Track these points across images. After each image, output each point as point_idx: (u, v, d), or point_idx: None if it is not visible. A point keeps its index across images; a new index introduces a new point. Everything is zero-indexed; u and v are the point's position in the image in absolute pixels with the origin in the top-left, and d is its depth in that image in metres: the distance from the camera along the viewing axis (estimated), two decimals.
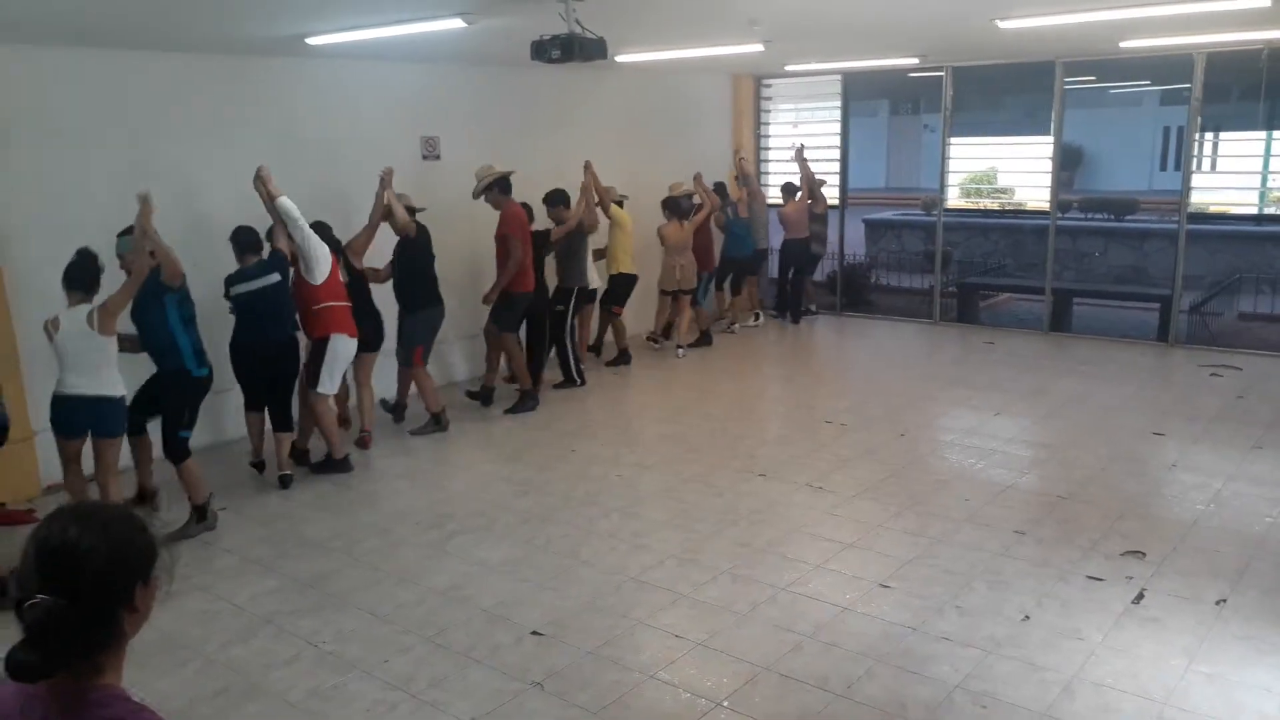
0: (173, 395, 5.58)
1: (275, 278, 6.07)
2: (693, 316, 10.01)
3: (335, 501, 6.14)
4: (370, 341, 6.93)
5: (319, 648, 4.37)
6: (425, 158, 8.30)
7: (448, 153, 8.41)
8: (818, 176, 11.10)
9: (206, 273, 6.24)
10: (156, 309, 5.42)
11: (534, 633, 4.43)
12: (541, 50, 5.19)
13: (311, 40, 6.35)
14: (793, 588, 4.80)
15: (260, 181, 6.10)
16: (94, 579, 1.48)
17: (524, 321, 8.03)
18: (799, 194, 10.97)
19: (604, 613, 4.61)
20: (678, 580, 4.91)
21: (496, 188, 7.60)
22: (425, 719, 3.83)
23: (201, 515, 5.65)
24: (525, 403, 7.87)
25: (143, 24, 5.67)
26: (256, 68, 7.15)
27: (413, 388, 7.58)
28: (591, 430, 7.50)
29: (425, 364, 7.42)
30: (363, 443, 7.05)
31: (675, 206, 9.44)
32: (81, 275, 5.12)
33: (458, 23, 5.64)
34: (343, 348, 6.44)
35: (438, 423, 7.42)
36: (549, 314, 8.33)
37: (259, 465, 6.51)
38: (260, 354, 6.18)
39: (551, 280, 8.44)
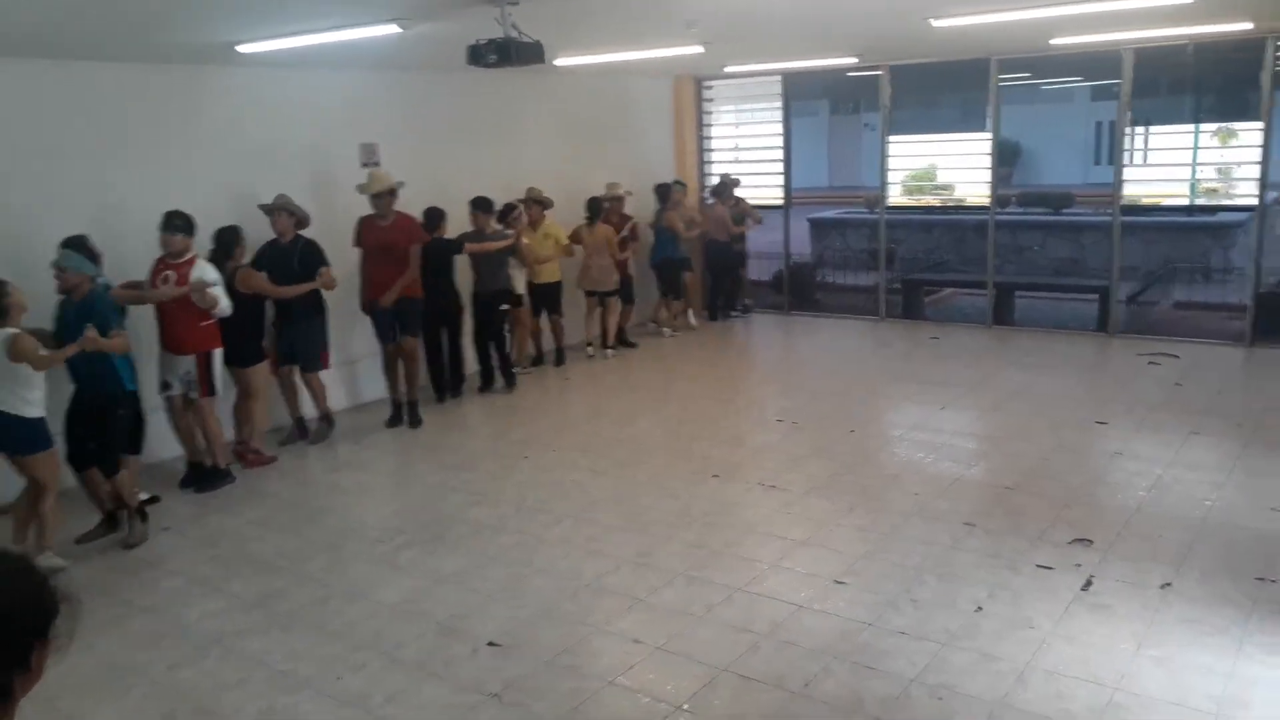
0: (115, 416, 5.55)
1: None
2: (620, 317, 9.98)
3: (282, 519, 6.02)
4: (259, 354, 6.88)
5: (270, 667, 4.27)
6: (364, 165, 8.17)
7: (387, 160, 8.29)
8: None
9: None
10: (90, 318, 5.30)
11: (490, 644, 4.38)
12: (478, 55, 5.14)
13: (243, 48, 6.22)
14: (748, 588, 4.80)
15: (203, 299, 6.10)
16: None
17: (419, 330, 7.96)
18: (729, 198, 11.12)
19: (560, 621, 4.57)
20: (634, 585, 4.88)
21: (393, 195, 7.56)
22: None
23: (144, 516, 5.67)
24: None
25: (65, 33, 5.51)
26: (186, 77, 6.99)
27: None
28: (543, 438, 7.44)
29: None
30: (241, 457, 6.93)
31: (591, 206, 9.43)
32: None
33: (393, 28, 5.56)
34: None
35: (330, 423, 7.49)
36: (488, 316, 8.45)
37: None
38: None
39: (460, 287, 8.35)
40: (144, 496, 5.94)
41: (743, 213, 11.24)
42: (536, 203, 8.88)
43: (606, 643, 4.36)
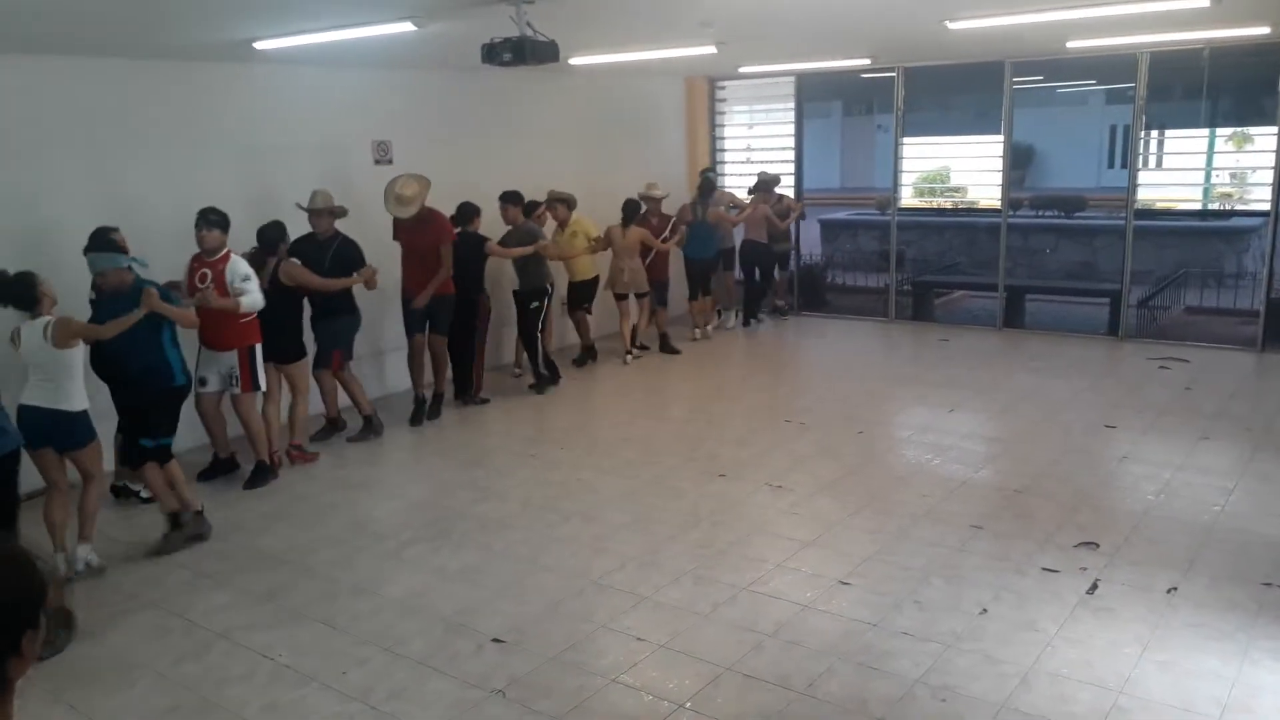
0: (164, 411, 5.53)
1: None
2: (649, 321, 9.91)
3: (290, 513, 6.05)
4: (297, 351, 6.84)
5: (274, 661, 4.29)
6: (378, 162, 8.22)
7: (400, 157, 8.33)
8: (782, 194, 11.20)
9: (170, 275, 6.12)
10: (151, 328, 5.32)
11: (494, 640, 4.39)
12: (493, 53, 5.16)
13: (259, 45, 6.26)
14: (753, 587, 4.80)
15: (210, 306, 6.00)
16: None
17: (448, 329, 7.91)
18: (769, 196, 10.88)
19: (565, 618, 4.58)
20: (639, 583, 4.90)
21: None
22: None
23: (175, 523, 5.53)
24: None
25: (87, 30, 5.56)
26: (204, 73, 7.03)
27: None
28: (550, 435, 7.46)
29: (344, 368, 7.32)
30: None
31: (627, 208, 9.33)
32: (11, 296, 4.93)
33: (408, 26, 5.59)
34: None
35: (370, 426, 7.42)
36: (522, 312, 8.44)
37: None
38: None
39: (487, 284, 8.31)
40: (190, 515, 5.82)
41: (786, 209, 11.05)
42: (561, 202, 8.79)
43: (611, 640, 4.37)
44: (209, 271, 6.07)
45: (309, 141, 7.74)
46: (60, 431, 4.97)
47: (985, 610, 4.49)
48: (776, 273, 11.51)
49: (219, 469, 6.61)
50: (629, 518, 5.76)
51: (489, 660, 4.23)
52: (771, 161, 11.72)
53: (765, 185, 10.92)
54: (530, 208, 8.58)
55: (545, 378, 8.53)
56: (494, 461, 6.96)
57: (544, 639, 4.39)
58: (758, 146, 12.07)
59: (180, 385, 5.61)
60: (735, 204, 10.93)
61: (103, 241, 5.55)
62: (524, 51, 5.10)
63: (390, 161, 8.29)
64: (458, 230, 7.83)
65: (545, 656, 4.23)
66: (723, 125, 12.13)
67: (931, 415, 7.67)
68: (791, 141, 11.69)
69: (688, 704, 3.85)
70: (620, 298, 9.55)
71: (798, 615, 4.51)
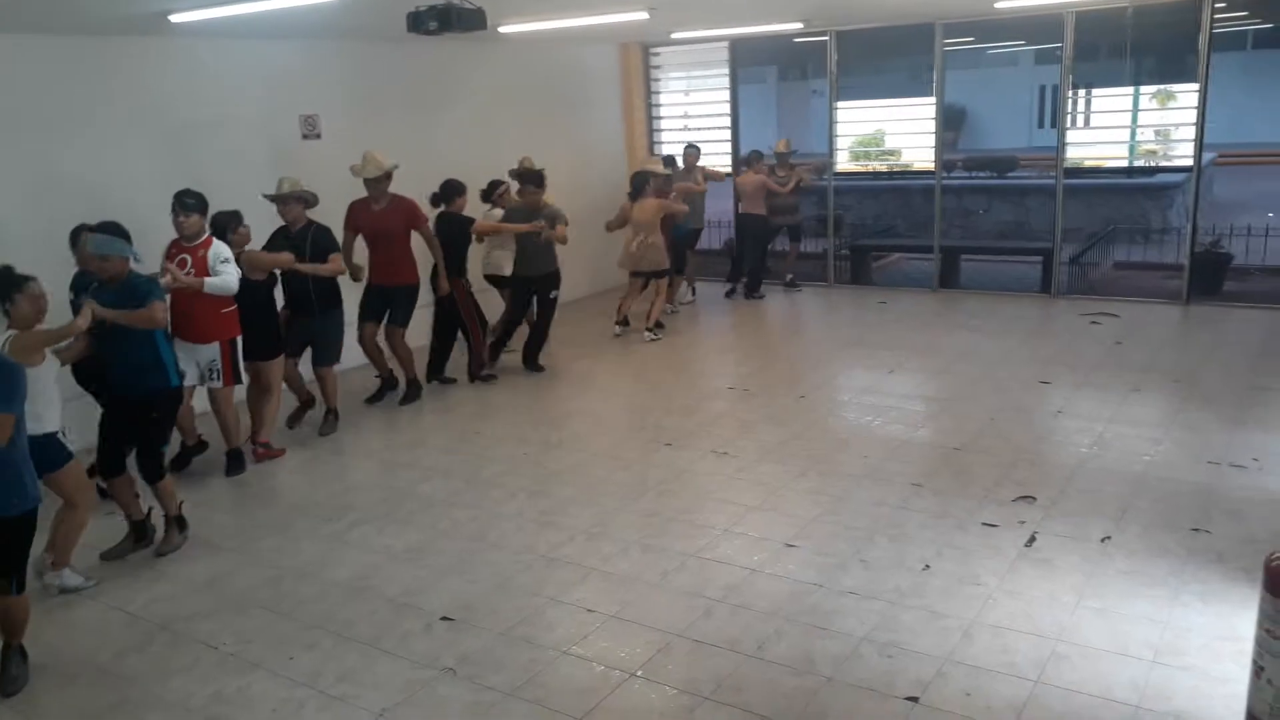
0: (163, 413, 5.15)
1: None
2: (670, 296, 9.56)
3: (229, 500, 5.93)
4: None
5: (219, 650, 4.22)
6: (305, 137, 8.03)
7: (328, 131, 8.14)
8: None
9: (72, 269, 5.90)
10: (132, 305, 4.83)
11: (443, 618, 4.37)
12: (418, 21, 5.06)
13: (175, 18, 6.03)
14: (701, 554, 4.84)
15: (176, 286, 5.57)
16: None
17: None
18: (761, 167, 10.65)
19: (514, 593, 4.57)
20: (587, 555, 4.90)
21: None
22: (335, 715, 3.74)
23: (182, 524, 5.26)
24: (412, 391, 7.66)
25: None
26: (117, 49, 6.77)
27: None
28: (495, 412, 7.41)
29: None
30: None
31: (636, 180, 9.06)
32: None
33: None
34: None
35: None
36: (542, 301, 8.16)
37: None
38: None
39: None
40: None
41: (796, 178, 10.75)
42: (523, 176, 8.40)
43: (561, 613, 4.37)
44: (189, 258, 5.74)
45: (234, 117, 7.51)
46: (34, 455, 4.16)
47: (928, 567, 4.57)
48: (783, 245, 11.28)
49: (190, 454, 6.39)
50: (576, 490, 5.75)
51: (439, 639, 4.21)
52: (708, 128, 11.69)
53: (755, 158, 10.71)
54: (491, 188, 8.33)
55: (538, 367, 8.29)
56: (437, 441, 6.90)
57: (493, 615, 4.37)
58: (694, 114, 12.02)
59: (176, 387, 5.19)
60: (712, 175, 10.68)
61: (113, 227, 4.99)
62: (450, 19, 5.01)
63: (319, 136, 8.11)
64: (439, 210, 7.61)
65: (495, 632, 4.22)
66: (658, 93, 12.06)
67: (872, 377, 7.77)
68: (728, 108, 11.66)
69: (639, 672, 3.87)
70: (637, 275, 9.23)
71: (745, 579, 4.55)
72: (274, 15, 6.00)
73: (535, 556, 4.92)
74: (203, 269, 5.70)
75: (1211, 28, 8.90)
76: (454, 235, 7.63)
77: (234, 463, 6.26)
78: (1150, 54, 21.30)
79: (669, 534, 5.09)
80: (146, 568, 5.05)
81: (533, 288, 8.15)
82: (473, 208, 7.95)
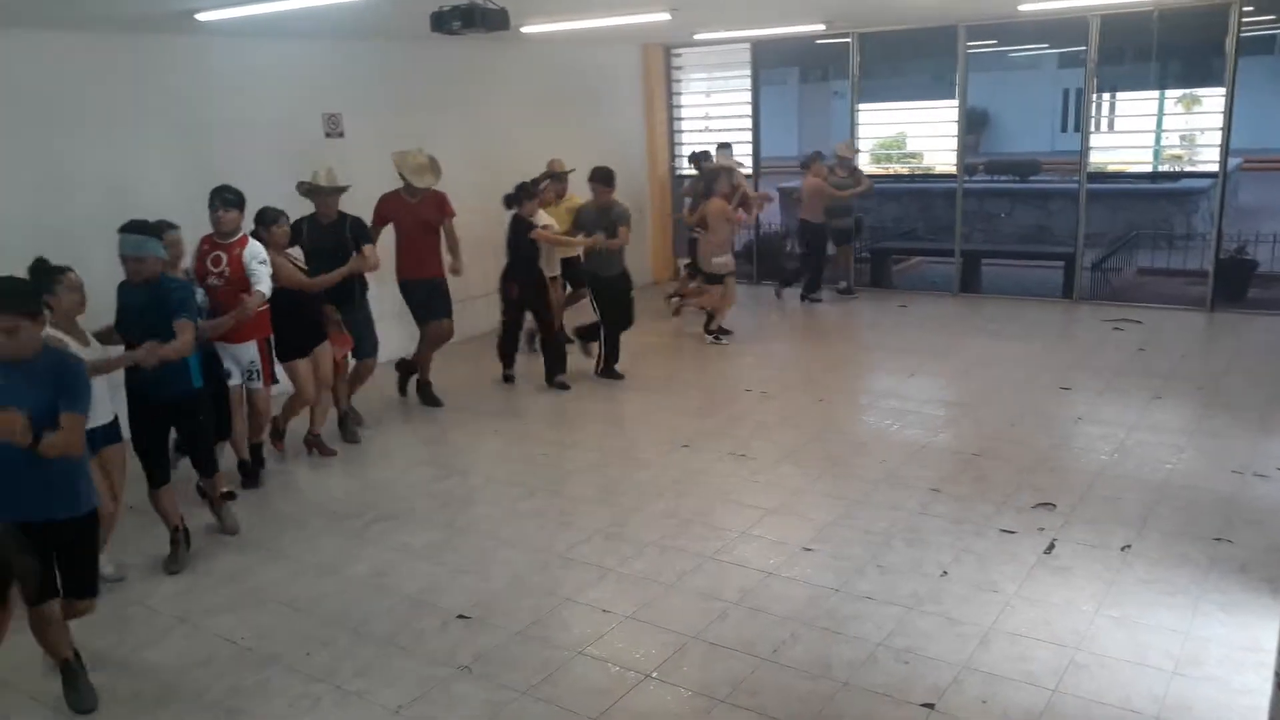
0: (195, 420, 5.02)
1: None
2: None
3: (249, 496, 5.96)
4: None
5: (237, 644, 4.25)
6: (328, 135, 8.07)
7: (351, 129, 8.18)
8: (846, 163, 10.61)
9: (101, 265, 5.95)
10: (168, 327, 4.63)
11: (459, 616, 4.38)
12: (442, 21, 5.08)
13: (202, 16, 6.08)
14: (718, 556, 4.83)
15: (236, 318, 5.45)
16: None
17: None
18: (821, 169, 10.33)
19: (530, 592, 4.58)
20: (604, 555, 4.90)
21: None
22: (350, 710, 3.76)
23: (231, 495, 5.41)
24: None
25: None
26: (143, 46, 6.82)
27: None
28: (513, 411, 7.42)
29: None
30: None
31: (705, 179, 8.79)
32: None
33: None
34: None
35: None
36: (619, 300, 7.91)
37: None
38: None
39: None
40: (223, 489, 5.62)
41: (864, 183, 10.57)
42: (552, 177, 8.46)
43: (576, 613, 4.37)
44: (224, 255, 5.60)
45: (258, 116, 7.55)
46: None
47: (945, 572, 4.55)
48: (831, 249, 10.88)
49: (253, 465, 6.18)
50: (593, 490, 5.76)
51: (455, 637, 4.22)
52: (729, 129, 11.67)
53: (814, 159, 10.43)
54: (535, 184, 8.15)
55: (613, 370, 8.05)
56: (454, 439, 6.92)
57: (509, 614, 4.38)
58: (715, 115, 12.01)
59: (200, 389, 4.99)
60: (752, 198, 10.44)
61: (149, 227, 4.78)
62: (474, 18, 5.02)
63: (341, 135, 8.15)
64: (513, 212, 7.48)
65: (511, 631, 4.23)
66: (680, 94, 12.05)
67: (891, 381, 7.73)
68: (749, 109, 11.64)
69: (654, 674, 3.87)
70: (698, 274, 9.03)
71: (762, 582, 4.54)
72: (299, 14, 6.03)
73: (552, 556, 4.93)
74: (237, 266, 5.57)
75: (1239, 32, 8.81)
76: (525, 239, 7.49)
77: (252, 471, 6.11)
78: (1176, 58, 21.11)
79: (686, 535, 5.08)
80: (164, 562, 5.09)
81: (611, 286, 7.88)
82: (498, 211, 7.90)
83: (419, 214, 7.14)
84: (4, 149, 6.20)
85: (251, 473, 6.09)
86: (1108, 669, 3.74)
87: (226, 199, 5.64)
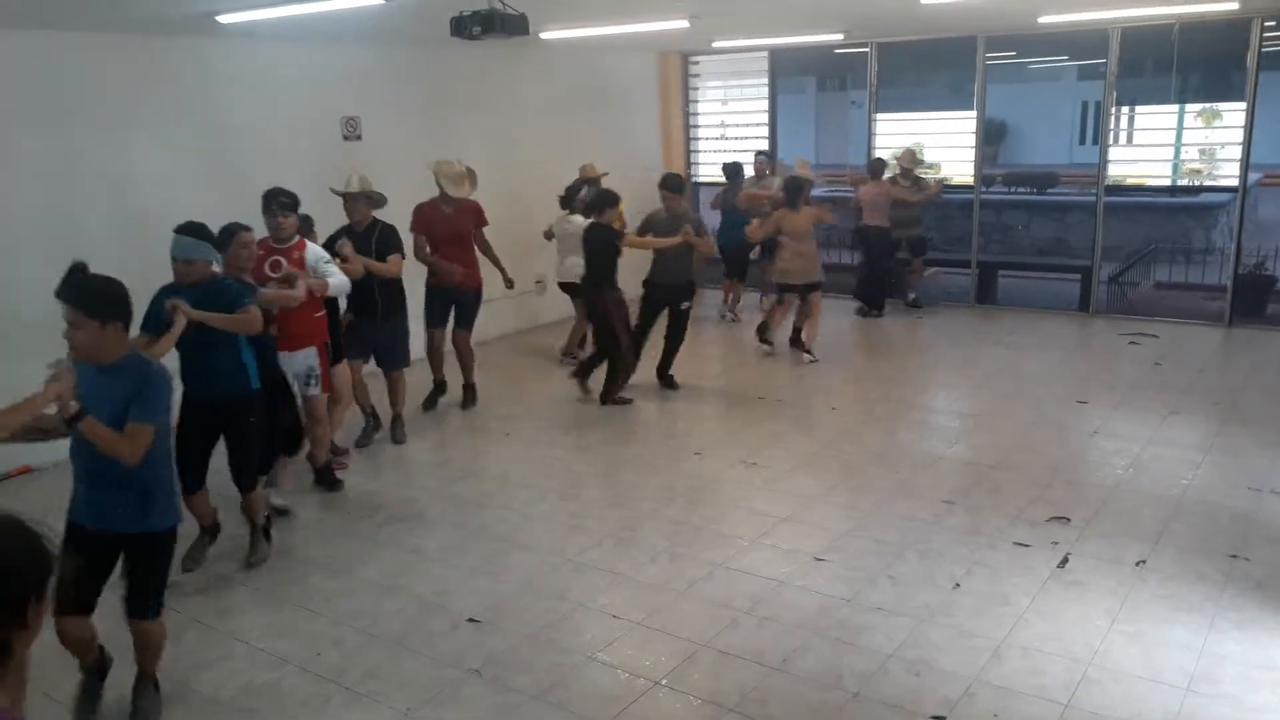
0: (247, 423, 4.79)
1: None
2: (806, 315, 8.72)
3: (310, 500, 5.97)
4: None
5: (249, 644, 4.26)
6: (346, 138, 8.12)
7: (369, 133, 8.23)
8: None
9: (127, 266, 5.98)
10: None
11: (470, 619, 4.39)
12: (462, 26, 5.10)
13: (223, 18, 6.13)
14: (729, 564, 4.82)
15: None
16: None
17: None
18: (885, 174, 10.14)
19: (541, 596, 4.58)
20: (615, 560, 4.90)
21: None
22: (360, 711, 3.77)
23: (268, 534, 5.12)
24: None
25: (43, 0, 5.41)
26: (164, 47, 6.88)
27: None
28: (526, 415, 7.43)
29: None
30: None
31: (791, 187, 8.48)
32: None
33: None
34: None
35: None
36: (674, 312, 7.69)
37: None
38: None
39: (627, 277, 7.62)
40: (279, 503, 5.49)
41: (932, 189, 10.28)
42: (587, 183, 8.45)
43: (587, 618, 4.37)
44: (282, 260, 5.44)
45: (277, 118, 7.60)
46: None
47: (958, 584, 4.53)
48: (900, 257, 10.52)
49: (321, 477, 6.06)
50: (605, 495, 5.76)
51: (464, 639, 4.23)
52: (746, 138, 11.68)
53: (880, 166, 10.19)
54: (572, 193, 8.21)
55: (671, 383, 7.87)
56: (468, 442, 6.93)
57: (520, 617, 4.38)
58: (732, 123, 12.02)
59: (257, 390, 4.81)
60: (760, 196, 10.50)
61: (204, 232, 4.63)
62: (493, 24, 5.04)
63: (359, 138, 8.19)
64: (590, 220, 7.37)
65: (521, 635, 4.23)
66: (696, 101, 12.07)
67: (905, 391, 7.71)
68: (766, 118, 11.64)
69: (664, 680, 3.86)
70: (789, 289, 8.61)
71: (773, 591, 4.53)
72: (320, 18, 6.07)
73: (563, 560, 4.93)
74: (303, 268, 5.42)
75: (1260, 46, 8.76)
76: (603, 247, 7.29)
77: (325, 477, 5.99)
78: (1196, 71, 20.99)
79: (697, 542, 5.08)
80: (178, 562, 5.10)
81: (664, 297, 7.65)
82: (513, 216, 7.93)
83: (453, 224, 7.09)
84: (25, 149, 6.25)
85: (328, 480, 5.97)
86: (1121, 684, 3.71)
87: (284, 203, 5.49)
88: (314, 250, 5.59)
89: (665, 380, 7.87)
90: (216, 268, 4.66)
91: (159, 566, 3.67)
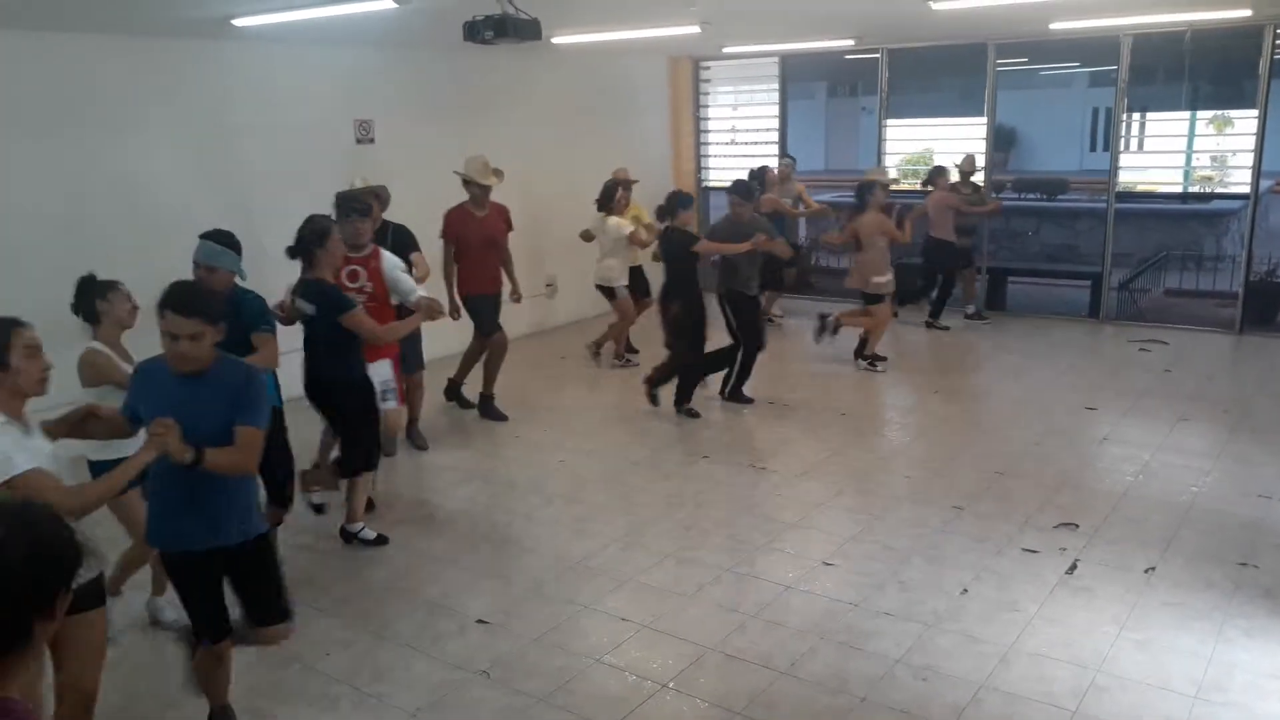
0: (279, 436, 4.73)
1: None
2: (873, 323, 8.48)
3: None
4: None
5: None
6: (359, 141, 8.16)
7: (382, 136, 8.27)
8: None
9: (127, 269, 6.00)
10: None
11: (478, 621, 4.40)
12: (474, 31, 5.12)
13: (238, 22, 6.18)
14: (737, 568, 4.82)
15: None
16: (10, 579, 1.42)
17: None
18: (941, 182, 9.73)
19: (549, 599, 4.59)
20: (623, 564, 4.91)
21: None
22: (369, 713, 3.78)
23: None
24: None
25: (59, 3, 5.46)
26: (180, 50, 6.93)
27: None
28: (535, 418, 7.44)
29: None
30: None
31: (862, 191, 8.21)
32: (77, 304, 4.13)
33: (389, 3, 5.53)
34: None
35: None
36: (743, 322, 7.34)
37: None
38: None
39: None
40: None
41: (993, 202, 9.96)
42: (622, 185, 8.40)
43: (595, 621, 4.38)
44: (361, 269, 5.27)
45: (290, 120, 7.64)
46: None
47: (966, 590, 4.52)
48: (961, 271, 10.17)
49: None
50: (613, 499, 5.77)
51: (472, 641, 4.24)
52: (756, 143, 11.69)
53: (939, 174, 9.79)
54: (609, 194, 8.20)
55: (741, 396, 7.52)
56: (476, 444, 6.95)
57: (528, 620, 4.40)
58: (742, 129, 12.03)
59: (279, 408, 4.67)
60: (813, 209, 10.33)
61: (230, 240, 4.49)
62: (506, 29, 5.05)
63: (372, 141, 8.23)
64: (664, 225, 7.06)
65: (529, 638, 4.24)
66: (707, 106, 12.08)
67: (914, 396, 7.70)
68: (776, 123, 11.65)
69: (671, 684, 3.87)
70: (874, 299, 8.37)
71: (781, 596, 4.53)
72: (335, 21, 6.12)
73: (571, 563, 4.94)
74: (379, 280, 5.31)
75: (1273, 54, 8.74)
76: (680, 252, 7.01)
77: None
78: (1208, 78, 20.93)
79: (705, 547, 5.08)
80: None
81: (745, 306, 7.35)
82: (524, 219, 7.92)
83: (486, 229, 7.02)
84: (35, 151, 6.29)
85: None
86: (1129, 691, 3.70)
87: (359, 208, 5.30)
88: (390, 259, 5.42)
89: (737, 396, 7.48)
90: (239, 280, 4.50)
91: (275, 567, 3.52)
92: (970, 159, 10.19)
